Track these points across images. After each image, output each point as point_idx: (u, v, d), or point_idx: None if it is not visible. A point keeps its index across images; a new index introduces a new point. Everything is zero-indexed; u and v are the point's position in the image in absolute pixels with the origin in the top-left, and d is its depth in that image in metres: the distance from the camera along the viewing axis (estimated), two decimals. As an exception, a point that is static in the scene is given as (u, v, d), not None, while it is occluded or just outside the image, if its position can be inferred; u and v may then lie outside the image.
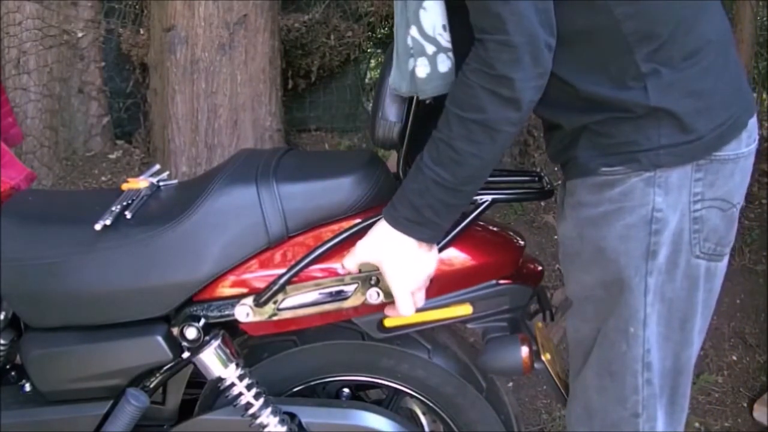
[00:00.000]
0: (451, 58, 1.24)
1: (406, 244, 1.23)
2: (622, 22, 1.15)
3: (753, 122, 1.25)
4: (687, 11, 1.18)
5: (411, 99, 1.31)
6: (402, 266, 1.24)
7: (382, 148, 1.39)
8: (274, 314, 1.34)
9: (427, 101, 1.27)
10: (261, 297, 1.33)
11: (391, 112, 1.32)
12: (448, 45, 1.23)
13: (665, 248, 1.21)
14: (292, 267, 1.32)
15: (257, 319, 1.35)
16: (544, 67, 1.12)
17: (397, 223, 1.23)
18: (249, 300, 1.35)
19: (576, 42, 1.14)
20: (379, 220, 1.26)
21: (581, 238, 1.27)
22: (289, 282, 1.33)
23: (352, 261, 1.29)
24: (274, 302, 1.33)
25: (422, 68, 1.23)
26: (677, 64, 1.17)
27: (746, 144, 1.24)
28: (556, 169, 3.93)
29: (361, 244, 1.27)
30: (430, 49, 1.22)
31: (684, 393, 1.33)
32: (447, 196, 1.19)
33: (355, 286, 1.31)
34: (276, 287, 1.32)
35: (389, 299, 1.29)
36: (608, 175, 1.21)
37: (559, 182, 1.39)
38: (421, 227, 1.22)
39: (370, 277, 1.31)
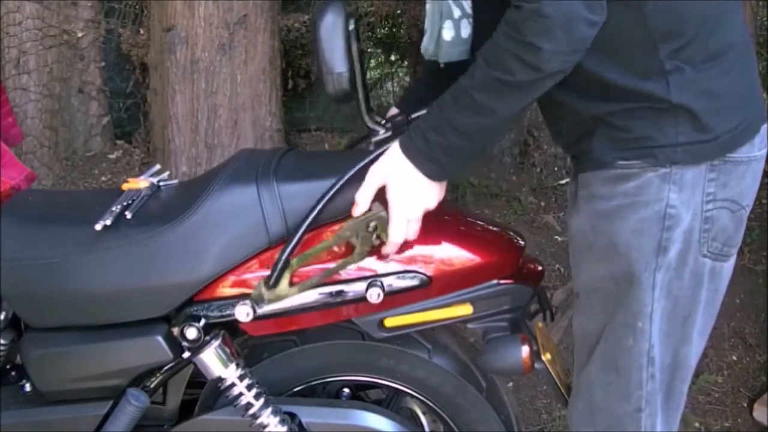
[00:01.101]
0: (471, 24, 1.26)
1: (414, 173, 1.25)
2: (650, 17, 1.16)
3: (765, 128, 1.27)
4: (712, 9, 1.20)
5: (350, 46, 1.32)
6: (405, 192, 1.25)
7: (338, 102, 1.40)
8: (287, 294, 1.32)
9: (441, 65, 1.30)
10: (270, 278, 1.31)
11: (335, 63, 1.32)
12: (470, 11, 1.26)
13: (676, 245, 1.22)
14: (292, 237, 1.30)
15: (273, 307, 1.34)
16: (580, 44, 1.12)
17: (408, 152, 1.24)
18: (250, 299, 1.35)
19: (603, 33, 1.14)
20: (385, 151, 1.28)
21: (594, 230, 1.27)
22: (293, 254, 1.31)
23: (364, 191, 1.29)
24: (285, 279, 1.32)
25: (448, 31, 1.26)
26: (699, 64, 1.18)
27: (758, 148, 1.26)
28: (556, 168, 3.93)
29: (373, 168, 1.28)
30: (456, 12, 1.26)
31: (680, 390, 1.33)
32: (458, 140, 1.20)
33: (357, 238, 1.30)
34: (282, 260, 1.30)
35: (386, 237, 1.29)
36: (624, 169, 1.22)
37: (565, 180, 1.40)
38: (429, 162, 1.23)
39: (368, 223, 1.29)
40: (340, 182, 1.31)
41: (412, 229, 1.29)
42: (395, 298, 1.36)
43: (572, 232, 1.33)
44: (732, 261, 1.30)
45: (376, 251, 1.35)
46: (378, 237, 1.30)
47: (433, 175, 1.25)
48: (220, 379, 1.42)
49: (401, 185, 1.25)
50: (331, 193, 1.30)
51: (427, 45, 1.32)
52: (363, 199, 1.28)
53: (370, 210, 1.29)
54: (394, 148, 1.26)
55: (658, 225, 1.21)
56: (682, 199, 1.21)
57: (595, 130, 1.24)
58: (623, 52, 1.18)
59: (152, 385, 1.45)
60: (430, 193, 1.26)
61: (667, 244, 1.22)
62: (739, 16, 1.26)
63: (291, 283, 1.32)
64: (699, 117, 1.18)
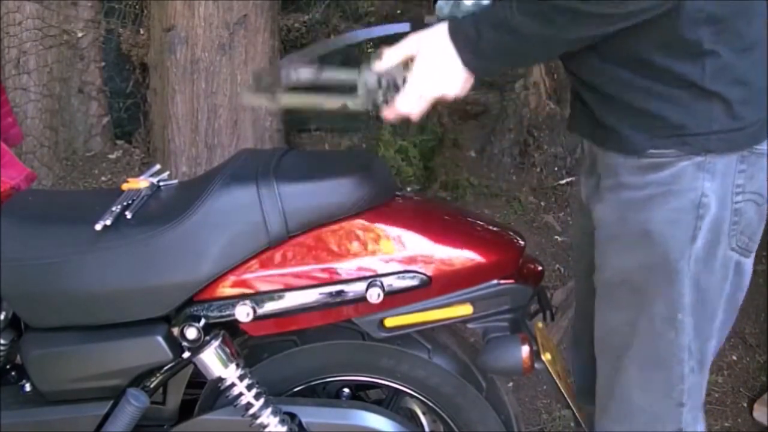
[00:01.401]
0: None
1: (451, 56, 1.22)
2: None
3: None
4: (747, 4, 1.19)
5: None
6: (432, 68, 1.23)
7: None
8: (282, 102, 1.28)
9: None
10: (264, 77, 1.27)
11: None
12: None
13: (706, 235, 1.22)
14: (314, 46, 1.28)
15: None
16: None
17: (454, 35, 1.22)
18: (249, 300, 1.35)
19: None
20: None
21: (623, 220, 1.25)
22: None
23: (394, 51, 1.26)
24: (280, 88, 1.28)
25: None
26: (735, 52, 1.18)
27: None
28: (556, 168, 3.93)
29: (413, 36, 1.26)
30: None
31: (704, 387, 1.34)
32: (507, 40, 1.19)
33: (364, 87, 1.26)
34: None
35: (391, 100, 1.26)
36: (655, 158, 1.21)
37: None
38: (470, 51, 1.21)
39: (381, 78, 1.26)
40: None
41: (419, 107, 1.26)
42: (395, 298, 1.36)
43: (596, 223, 1.31)
44: (752, 258, 1.29)
45: (374, 251, 1.35)
46: (384, 97, 1.27)
47: (468, 63, 1.22)
48: (220, 379, 1.42)
49: (432, 60, 1.23)
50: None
51: (442, 5, 1.29)
52: (389, 57, 1.26)
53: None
54: (441, 27, 1.23)
55: (693, 214, 1.21)
56: (713, 188, 1.21)
57: (626, 111, 1.22)
58: (667, 26, 1.16)
59: (152, 385, 1.45)
60: (454, 81, 1.24)
61: (698, 234, 1.21)
62: (765, 15, 1.25)
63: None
64: (731, 105, 1.18)
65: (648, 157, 1.22)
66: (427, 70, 1.24)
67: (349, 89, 1.27)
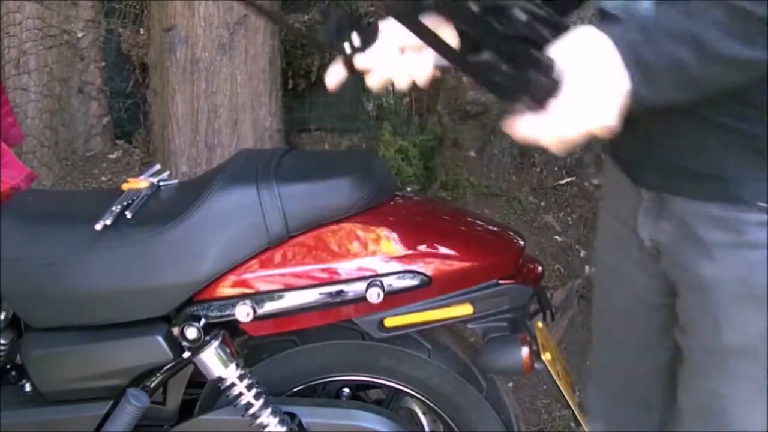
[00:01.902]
0: None
1: (614, 73, 0.92)
2: None
3: None
4: None
5: None
6: (592, 89, 0.92)
7: None
8: None
9: None
10: None
11: None
12: None
13: None
14: None
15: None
16: None
17: (621, 45, 0.92)
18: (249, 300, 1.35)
19: None
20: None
21: (747, 283, 1.16)
22: None
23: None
24: None
25: None
26: None
27: None
28: (556, 168, 3.93)
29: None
30: None
31: None
32: (692, 60, 0.91)
33: None
34: None
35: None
36: None
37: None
38: (640, 71, 0.92)
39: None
40: None
41: (562, 136, 0.95)
42: (395, 298, 1.36)
43: (705, 283, 1.18)
44: None
45: (374, 251, 1.36)
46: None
47: (638, 89, 0.92)
48: (220, 379, 1.42)
49: (591, 78, 0.92)
50: None
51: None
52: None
53: None
54: (598, 32, 0.93)
55: None
56: None
57: (736, 156, 1.11)
58: None
59: (152, 385, 1.45)
60: (610, 107, 0.93)
61: None
62: None
63: None
64: None
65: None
66: (585, 90, 0.92)
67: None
